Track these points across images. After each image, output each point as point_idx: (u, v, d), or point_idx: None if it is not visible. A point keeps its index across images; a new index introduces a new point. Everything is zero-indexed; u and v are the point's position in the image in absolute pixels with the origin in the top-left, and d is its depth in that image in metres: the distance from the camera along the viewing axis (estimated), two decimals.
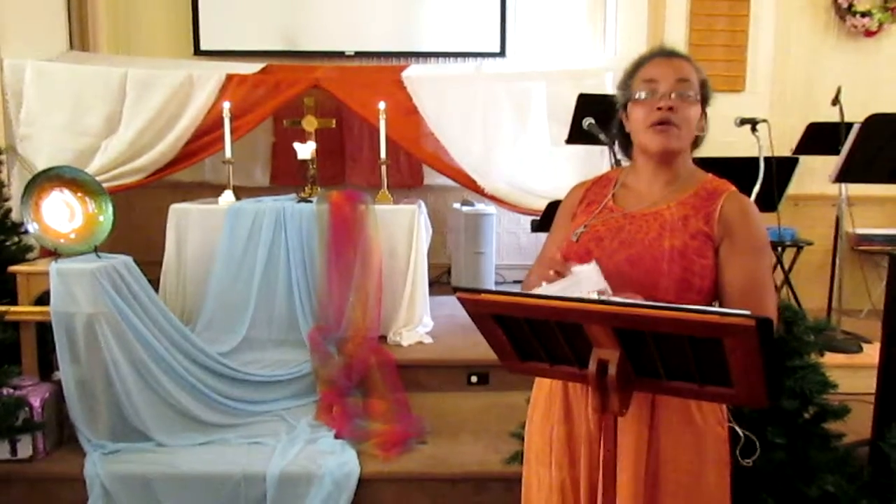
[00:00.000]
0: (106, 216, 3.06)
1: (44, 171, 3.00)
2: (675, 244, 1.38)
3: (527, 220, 4.75)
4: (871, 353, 3.10)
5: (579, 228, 1.49)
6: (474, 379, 3.43)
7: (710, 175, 1.49)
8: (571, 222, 1.55)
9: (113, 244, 3.46)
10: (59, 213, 2.98)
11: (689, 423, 1.38)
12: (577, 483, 1.44)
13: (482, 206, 4.76)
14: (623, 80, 1.52)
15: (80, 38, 4.70)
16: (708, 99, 1.47)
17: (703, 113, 1.47)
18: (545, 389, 1.53)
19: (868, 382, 2.44)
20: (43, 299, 2.87)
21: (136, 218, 4.84)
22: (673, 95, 1.40)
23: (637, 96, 1.44)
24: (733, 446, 1.52)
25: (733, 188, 1.46)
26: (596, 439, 1.40)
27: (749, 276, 1.38)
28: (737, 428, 1.50)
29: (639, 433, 1.35)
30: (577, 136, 3.28)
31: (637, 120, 1.45)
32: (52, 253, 2.96)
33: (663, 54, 1.47)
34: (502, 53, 5.17)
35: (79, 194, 3.01)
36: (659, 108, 1.40)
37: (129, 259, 3.02)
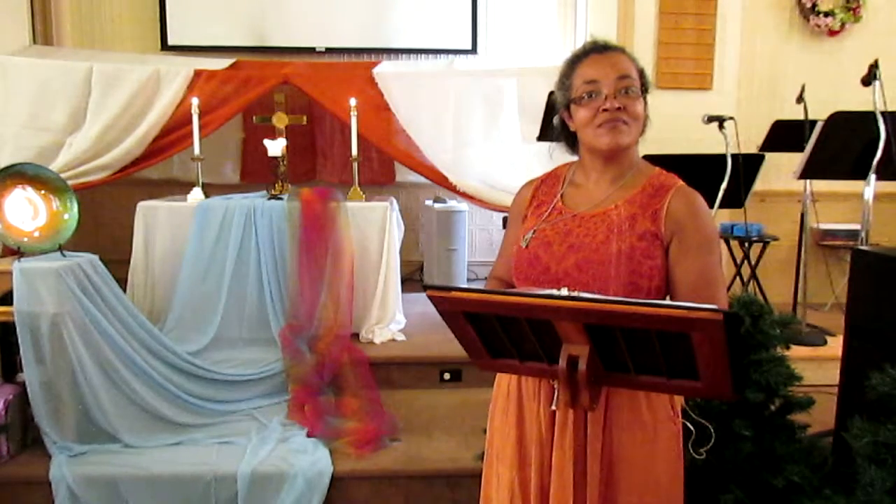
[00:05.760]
0: (71, 214, 2.99)
1: (5, 168, 2.93)
2: (623, 247, 1.37)
3: (499, 217, 4.77)
4: (835, 345, 3.17)
5: (528, 234, 1.48)
6: (447, 376, 3.44)
7: (657, 169, 1.48)
8: (522, 224, 1.54)
9: (79, 242, 3.39)
10: (22, 211, 2.91)
11: (639, 420, 1.39)
12: (527, 483, 1.45)
13: (454, 203, 4.77)
14: (560, 79, 1.48)
15: (43, 31, 4.60)
16: (648, 88, 1.45)
17: (645, 102, 1.45)
18: (503, 388, 1.53)
19: (832, 374, 2.48)
20: (6, 299, 2.80)
21: (103, 216, 4.76)
22: (617, 95, 1.38)
23: (580, 98, 1.42)
24: (687, 440, 1.54)
25: (681, 183, 1.45)
26: (547, 442, 1.41)
27: (700, 273, 1.37)
28: (687, 422, 1.52)
29: (593, 433, 1.35)
30: (549, 133, 3.30)
31: (582, 120, 1.42)
32: (16, 252, 2.90)
33: (598, 50, 1.43)
34: (474, 51, 5.18)
35: (42, 192, 2.94)
36: (605, 110, 1.38)
37: (95, 257, 2.97)
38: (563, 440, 1.37)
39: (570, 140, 1.54)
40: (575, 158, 1.56)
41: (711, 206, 3.18)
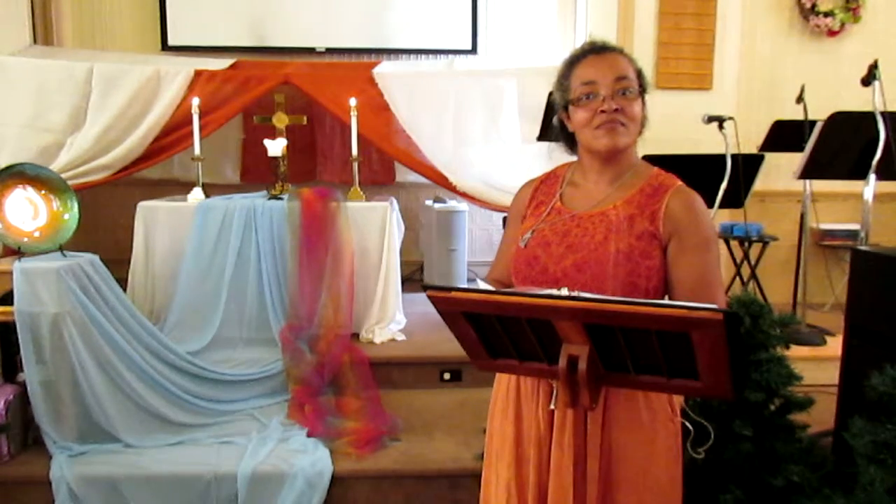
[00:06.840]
0: (71, 214, 2.99)
1: (6, 169, 2.93)
2: (621, 247, 1.37)
3: (499, 217, 4.76)
4: (835, 345, 3.17)
5: (527, 234, 1.48)
6: (447, 376, 3.44)
7: (656, 169, 1.48)
8: (521, 224, 1.54)
9: (79, 242, 3.38)
10: (23, 211, 2.91)
11: (638, 420, 1.39)
12: (523, 483, 1.45)
13: (454, 203, 4.77)
14: (559, 80, 1.48)
15: (43, 31, 4.61)
16: (646, 88, 1.45)
17: (643, 102, 1.44)
18: (503, 387, 1.53)
19: (831, 374, 2.49)
20: (6, 299, 2.80)
21: (103, 216, 4.76)
22: (615, 96, 1.38)
23: (577, 99, 1.42)
24: (686, 439, 1.54)
25: (679, 183, 1.45)
26: (546, 441, 1.41)
27: (698, 273, 1.37)
28: (686, 422, 1.52)
29: (592, 432, 1.35)
30: (549, 133, 3.30)
31: (580, 121, 1.43)
32: (16, 252, 2.90)
33: (595, 51, 1.44)
34: (474, 51, 5.19)
35: (43, 192, 2.94)
36: (603, 111, 1.38)
37: (95, 257, 2.97)
38: (562, 440, 1.37)
39: (570, 140, 1.54)
40: (574, 158, 1.56)
41: (711, 207, 3.18)
